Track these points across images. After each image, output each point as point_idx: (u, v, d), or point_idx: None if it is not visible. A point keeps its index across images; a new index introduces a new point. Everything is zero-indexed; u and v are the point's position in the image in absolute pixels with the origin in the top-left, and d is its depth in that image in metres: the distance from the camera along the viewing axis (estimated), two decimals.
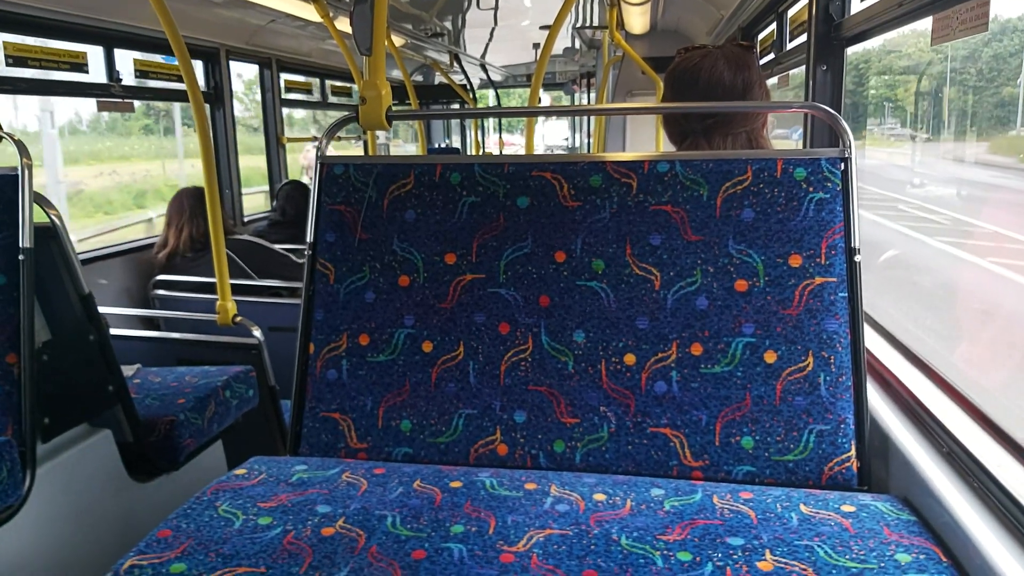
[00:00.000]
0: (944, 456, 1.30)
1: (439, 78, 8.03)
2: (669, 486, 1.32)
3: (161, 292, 3.79)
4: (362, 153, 7.17)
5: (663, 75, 2.03)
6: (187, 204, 3.82)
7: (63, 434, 1.94)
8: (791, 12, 3.52)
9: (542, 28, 6.67)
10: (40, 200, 1.90)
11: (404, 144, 16.07)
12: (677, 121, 1.85)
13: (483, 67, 8.68)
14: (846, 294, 1.42)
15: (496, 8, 5.53)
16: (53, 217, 1.95)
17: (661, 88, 2.03)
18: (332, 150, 1.76)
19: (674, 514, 1.22)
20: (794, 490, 1.31)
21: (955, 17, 1.70)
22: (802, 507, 1.23)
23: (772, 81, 3.86)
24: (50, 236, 1.94)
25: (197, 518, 1.24)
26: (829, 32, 2.53)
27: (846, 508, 1.23)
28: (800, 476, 1.39)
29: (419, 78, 9.41)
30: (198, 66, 4.72)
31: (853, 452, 1.39)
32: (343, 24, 4.21)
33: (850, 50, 2.51)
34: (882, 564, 1.08)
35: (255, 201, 5.98)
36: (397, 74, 7.04)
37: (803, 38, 2.82)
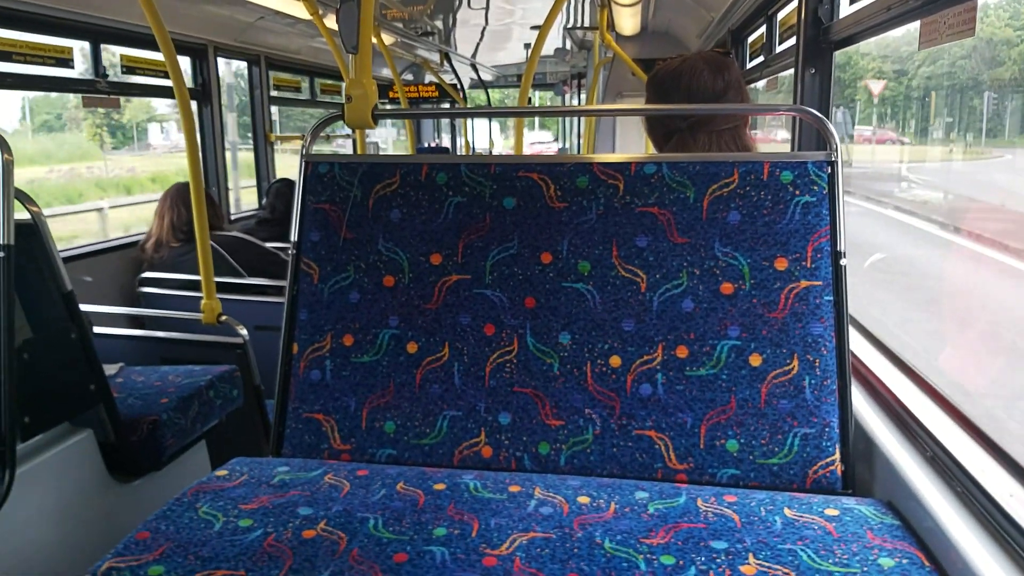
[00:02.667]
0: (928, 460, 1.30)
1: (430, 77, 8.02)
2: (653, 489, 1.31)
3: (147, 290, 3.76)
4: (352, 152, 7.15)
5: None
6: (170, 195, 3.83)
7: (44, 433, 1.92)
8: (781, 15, 3.54)
9: (533, 28, 6.66)
10: (21, 196, 1.88)
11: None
12: (661, 123, 1.87)
13: (474, 67, 8.67)
14: (832, 298, 1.42)
15: (487, 8, 5.53)
16: (35, 214, 1.93)
17: None
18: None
19: (658, 517, 1.21)
20: (778, 493, 1.31)
21: (942, 22, 1.71)
22: (786, 511, 1.23)
23: (761, 84, 3.87)
24: (31, 233, 1.91)
25: (177, 520, 1.23)
26: (818, 35, 2.53)
27: (830, 512, 1.23)
28: (784, 479, 1.39)
29: (409, 77, 9.39)
30: (185, 63, 4.69)
31: (837, 456, 1.39)
32: (332, 21, 4.19)
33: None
34: (865, 568, 1.08)
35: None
36: (387, 72, 7.03)
37: (792, 41, 2.83)
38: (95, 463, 2.06)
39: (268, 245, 4.07)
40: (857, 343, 1.86)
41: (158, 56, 4.17)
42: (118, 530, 2.05)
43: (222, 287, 2.92)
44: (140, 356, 2.87)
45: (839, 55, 2.55)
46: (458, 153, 10.32)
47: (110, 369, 2.42)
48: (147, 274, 3.78)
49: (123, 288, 3.92)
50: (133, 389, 2.35)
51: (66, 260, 1.99)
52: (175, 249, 3.79)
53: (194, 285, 3.54)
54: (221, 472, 1.39)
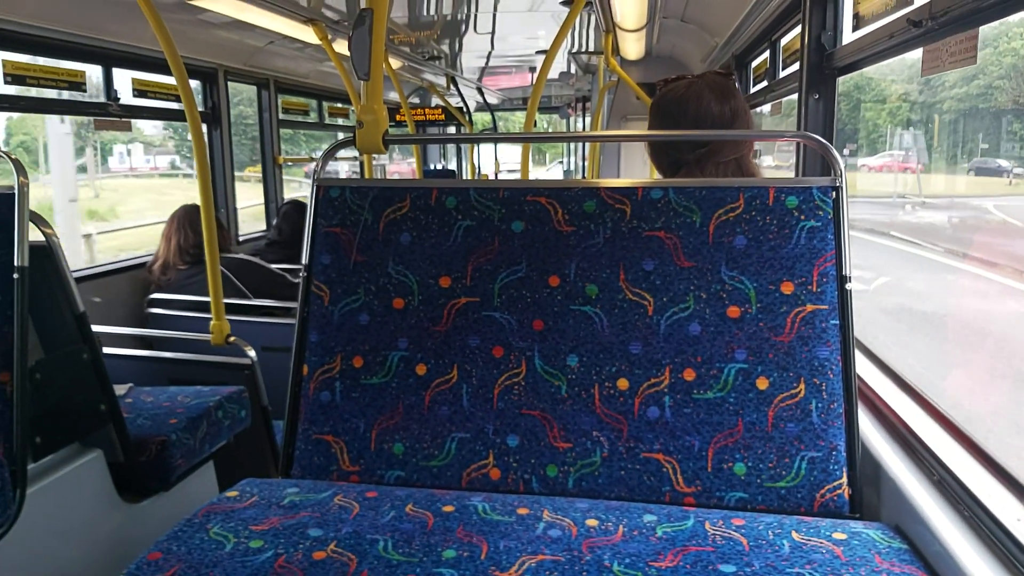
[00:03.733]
0: (935, 484, 1.30)
1: (436, 100, 8.09)
2: (661, 512, 1.32)
3: (156, 311, 3.78)
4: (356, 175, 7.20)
5: None
6: (178, 217, 3.85)
7: (54, 453, 1.93)
8: (784, 41, 3.57)
9: (538, 52, 6.73)
10: (36, 219, 1.90)
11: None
12: (667, 152, 1.88)
13: (479, 90, 8.75)
14: (837, 322, 1.43)
15: (493, 32, 5.59)
16: (49, 236, 1.95)
17: None
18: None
19: (666, 540, 1.22)
20: (786, 517, 1.31)
21: (944, 50, 1.73)
22: (794, 534, 1.24)
23: (765, 109, 3.90)
24: (45, 255, 1.94)
25: (188, 540, 1.24)
26: (821, 62, 2.56)
27: (837, 536, 1.23)
28: (792, 503, 1.39)
29: (416, 99, 9.47)
30: (196, 86, 4.75)
31: (844, 479, 1.39)
32: (341, 47, 4.25)
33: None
34: None
35: None
36: (394, 95, 7.09)
37: (796, 67, 2.86)
38: (104, 483, 2.07)
39: (276, 267, 4.10)
40: (863, 366, 1.86)
41: (169, 80, 4.23)
42: (127, 551, 2.05)
43: (229, 308, 2.94)
44: (149, 376, 2.89)
45: (856, 75, 2.58)
46: (464, 176, 10.37)
47: (119, 389, 2.43)
48: (155, 295, 3.80)
49: (131, 309, 3.95)
50: (142, 409, 2.36)
51: (76, 281, 2.01)
52: (182, 272, 3.81)
53: (201, 306, 3.57)
54: (231, 493, 1.40)
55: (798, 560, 1.16)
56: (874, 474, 1.45)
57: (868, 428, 1.56)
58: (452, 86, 7.54)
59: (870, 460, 1.46)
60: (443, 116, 7.85)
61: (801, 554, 1.18)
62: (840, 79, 2.56)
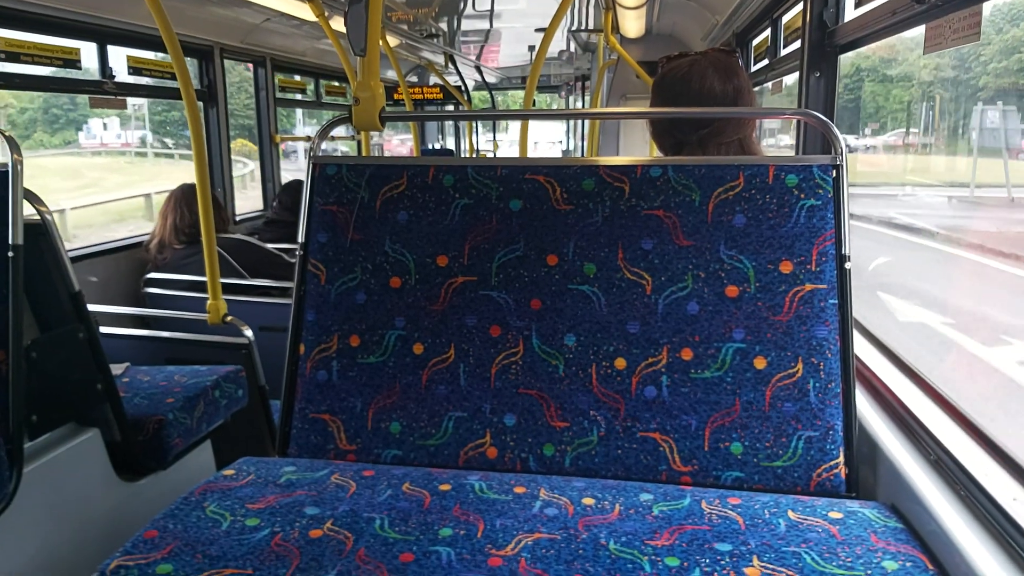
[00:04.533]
0: (932, 464, 1.30)
1: (434, 79, 8.04)
2: (658, 491, 1.32)
3: (152, 290, 3.77)
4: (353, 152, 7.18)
5: None
6: (175, 196, 3.84)
7: (51, 432, 1.93)
8: (785, 19, 3.54)
9: (537, 31, 6.68)
10: (31, 197, 1.89)
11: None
12: (669, 132, 1.86)
13: (478, 68, 8.68)
14: (836, 301, 1.42)
15: (492, 10, 5.54)
16: (44, 214, 1.94)
17: None
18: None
19: (662, 519, 1.22)
20: (782, 496, 1.31)
21: (948, 26, 1.72)
22: (790, 513, 1.24)
23: (766, 87, 3.88)
24: (40, 233, 1.93)
25: (184, 518, 1.24)
26: (823, 39, 2.54)
27: (834, 515, 1.23)
28: (788, 482, 1.39)
29: (414, 78, 9.41)
30: (192, 64, 4.71)
31: (841, 459, 1.39)
32: (338, 23, 4.21)
33: None
34: (869, 571, 1.08)
35: None
36: (392, 74, 7.05)
37: (797, 44, 2.84)
38: (101, 462, 2.07)
39: (273, 247, 4.08)
40: (861, 346, 1.86)
41: (165, 57, 4.19)
42: (123, 529, 2.06)
43: (227, 288, 2.93)
44: (146, 356, 2.89)
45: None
46: (463, 155, 10.33)
47: (116, 369, 2.43)
48: (152, 275, 3.79)
49: (128, 288, 3.94)
50: (139, 389, 2.36)
51: (72, 260, 2.00)
52: (178, 251, 3.80)
53: (198, 286, 3.56)
54: (228, 471, 1.40)
55: (794, 539, 1.16)
56: (871, 453, 1.45)
57: (865, 408, 1.56)
58: (450, 65, 7.49)
59: (867, 439, 1.46)
60: (441, 95, 7.80)
61: (797, 533, 1.18)
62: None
